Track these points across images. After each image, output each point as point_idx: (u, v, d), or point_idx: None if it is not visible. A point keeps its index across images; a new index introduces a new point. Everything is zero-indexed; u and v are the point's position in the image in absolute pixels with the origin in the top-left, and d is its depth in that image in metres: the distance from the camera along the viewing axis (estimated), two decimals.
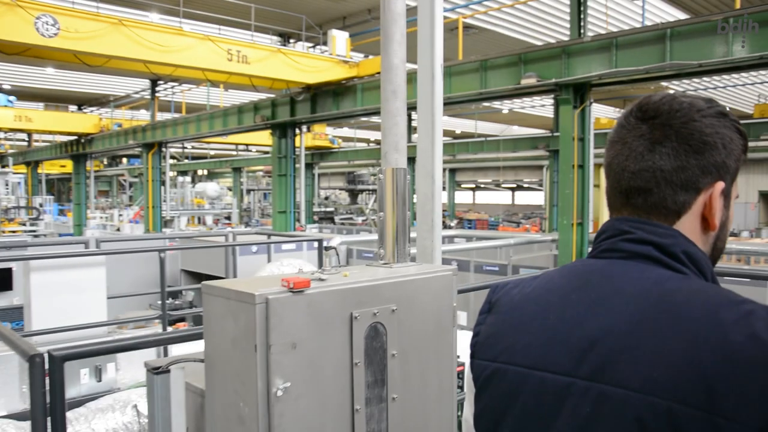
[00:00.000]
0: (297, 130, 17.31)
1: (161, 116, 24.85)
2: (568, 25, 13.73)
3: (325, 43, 15.38)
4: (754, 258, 13.14)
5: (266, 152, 31.04)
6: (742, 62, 9.64)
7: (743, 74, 21.35)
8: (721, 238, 1.12)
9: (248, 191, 39.10)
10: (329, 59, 14.24)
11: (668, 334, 0.93)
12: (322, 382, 1.49)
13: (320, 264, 7.72)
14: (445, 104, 12.19)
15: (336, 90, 14.78)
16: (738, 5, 10.50)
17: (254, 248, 10.33)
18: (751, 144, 25.19)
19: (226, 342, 1.47)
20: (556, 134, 20.24)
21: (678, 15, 16.07)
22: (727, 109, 1.12)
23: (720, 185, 1.05)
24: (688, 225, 1.06)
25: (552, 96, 15.39)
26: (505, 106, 27.76)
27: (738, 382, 0.85)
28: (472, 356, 1.19)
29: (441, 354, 1.71)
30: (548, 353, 1.04)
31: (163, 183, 22.75)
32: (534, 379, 1.05)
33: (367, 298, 1.54)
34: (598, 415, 0.95)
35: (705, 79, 22.02)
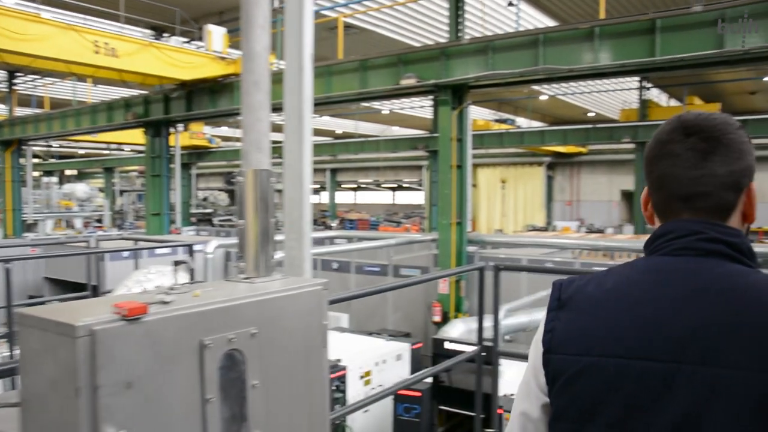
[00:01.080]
0: (171, 129, 16.52)
1: (21, 111, 22.99)
2: (446, 28, 13.94)
3: (201, 39, 14.74)
4: (618, 254, 13.87)
5: (140, 151, 29.58)
6: (606, 69, 10.14)
7: (608, 80, 22.70)
8: (748, 229, 1.31)
9: (121, 192, 37.10)
10: (205, 55, 13.64)
11: (765, 319, 1.08)
12: (168, 426, 1.26)
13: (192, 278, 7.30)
14: (325, 104, 12.03)
15: (213, 87, 14.21)
16: (603, 15, 11.03)
17: (125, 253, 9.69)
18: (613, 146, 27.02)
19: (44, 384, 1.19)
20: (435, 135, 20.56)
21: (548, 23, 16.77)
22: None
23: (753, 184, 1.26)
24: (735, 221, 1.24)
25: (431, 97, 15.58)
26: (385, 106, 27.94)
27: None
28: (549, 352, 1.25)
29: (311, 379, 1.51)
30: (648, 343, 1.14)
31: (24, 184, 21.05)
32: (635, 368, 1.14)
33: (221, 321, 1.32)
34: (714, 396, 1.07)
35: (573, 84, 23.17)
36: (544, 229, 26.43)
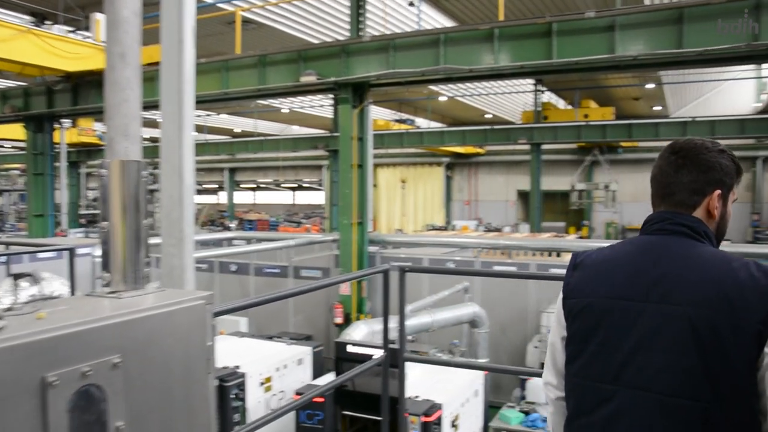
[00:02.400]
0: (56, 124, 15.43)
1: None
2: (347, 26, 13.75)
3: (87, 28, 13.82)
4: (515, 252, 14.12)
5: (22, 148, 27.65)
6: (505, 70, 10.27)
7: (505, 83, 23.28)
8: (722, 224, 1.91)
9: (1, 192, 34.50)
10: (92, 45, 12.78)
11: (703, 275, 1.70)
12: None
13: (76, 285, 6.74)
14: (222, 100, 11.53)
15: (101, 81, 13.37)
16: (502, 17, 11.17)
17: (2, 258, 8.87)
18: (509, 147, 27.73)
19: None
20: (335, 134, 20.35)
21: (448, 24, 16.91)
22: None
23: (717, 192, 1.86)
24: (699, 213, 1.85)
25: (332, 95, 15.34)
26: (284, 105, 27.46)
27: (746, 299, 1.62)
28: (566, 297, 1.91)
29: (193, 413, 1.25)
30: (628, 289, 1.78)
31: None
32: (619, 305, 1.78)
33: (72, 350, 1.02)
34: (663, 323, 1.71)
35: (471, 86, 23.58)
36: (444, 229, 26.76)
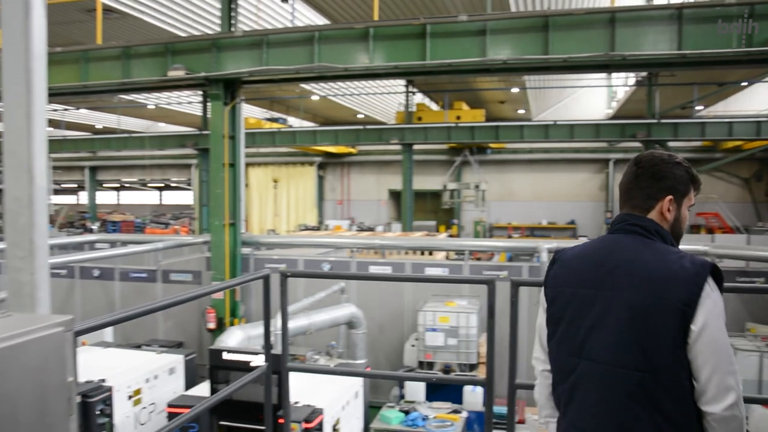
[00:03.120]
0: None
1: None
2: (218, 20, 13.26)
3: None
4: (389, 251, 14.23)
5: None
6: (380, 70, 10.28)
7: (377, 83, 23.47)
8: (676, 225, 2.28)
9: None
10: None
11: (644, 267, 2.11)
12: None
13: None
14: (81, 93, 10.72)
15: None
16: (376, 17, 11.18)
17: None
18: (380, 147, 28.06)
19: None
20: (205, 132, 19.66)
21: (321, 22, 16.75)
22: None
23: (669, 197, 2.24)
24: (654, 216, 2.24)
25: (201, 91, 14.79)
26: (150, 100, 26.21)
27: (675, 286, 2.02)
28: (545, 287, 2.38)
29: None
30: (589, 279, 2.22)
31: None
32: (581, 293, 2.23)
33: None
34: (611, 307, 2.13)
35: (343, 86, 23.58)
36: (317, 228, 26.63)
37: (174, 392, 7.48)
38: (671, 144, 22.28)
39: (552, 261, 2.38)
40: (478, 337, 9.26)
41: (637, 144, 23.32)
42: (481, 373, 8.92)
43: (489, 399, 3.61)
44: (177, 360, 7.90)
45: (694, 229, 26.96)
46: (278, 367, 4.17)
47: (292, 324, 8.61)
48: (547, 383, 2.39)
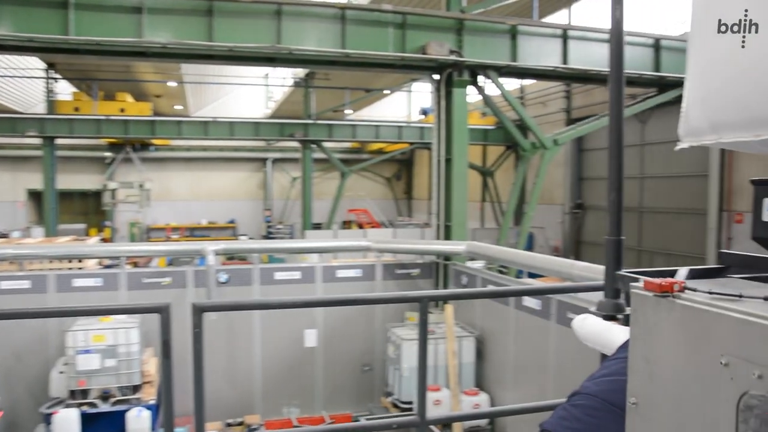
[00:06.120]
0: None
1: None
2: None
3: None
4: (28, 262, 12.08)
5: None
6: (6, 41, 8.52)
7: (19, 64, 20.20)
8: None
9: None
10: None
11: None
12: None
13: None
14: None
15: None
16: None
17: None
18: (16, 141, 24.31)
19: None
20: None
21: None
22: None
23: None
24: None
25: None
26: None
27: None
28: None
29: None
30: None
31: None
32: None
33: None
34: None
35: None
36: None
37: None
38: (326, 144, 23.36)
39: None
40: (141, 354, 8.19)
41: (296, 143, 23.96)
42: (147, 395, 7.89)
43: (168, 422, 2.74)
44: None
45: (347, 224, 28.72)
46: None
47: None
48: None
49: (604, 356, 2.61)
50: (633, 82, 11.98)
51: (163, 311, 2.55)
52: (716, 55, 1.93)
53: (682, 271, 2.57)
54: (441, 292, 2.98)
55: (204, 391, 2.72)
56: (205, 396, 2.74)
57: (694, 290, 1.05)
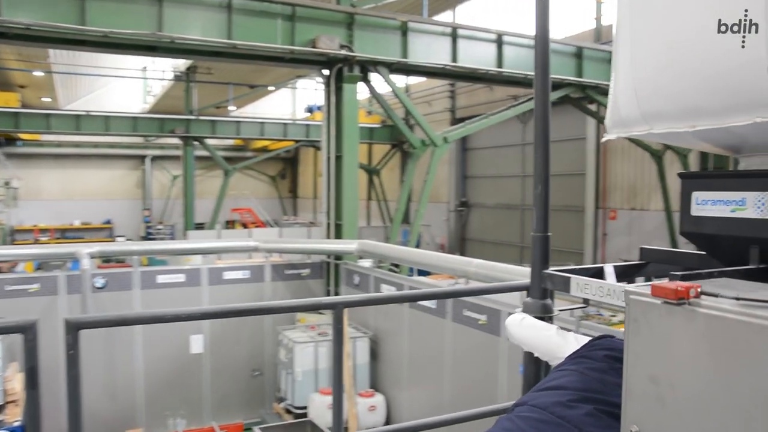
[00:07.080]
0: None
1: None
2: None
3: None
4: None
5: None
6: None
7: None
8: None
9: None
10: None
11: None
12: None
13: None
14: None
15: None
16: None
17: None
18: None
19: None
20: None
21: None
22: None
23: None
24: None
25: None
26: None
27: None
28: None
29: None
30: None
31: None
32: None
33: None
34: None
35: None
36: None
37: None
38: (209, 141, 22.53)
39: None
40: (4, 370, 7.39)
41: (176, 140, 22.94)
42: (11, 416, 7.11)
43: None
44: None
45: (230, 224, 27.86)
46: None
47: None
48: None
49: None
50: (518, 82, 12.27)
51: (27, 331, 1.98)
52: (650, 43, 1.82)
53: (609, 268, 2.47)
54: (357, 297, 2.75)
55: (81, 416, 2.33)
56: (82, 420, 2.35)
57: (716, 295, 0.87)
